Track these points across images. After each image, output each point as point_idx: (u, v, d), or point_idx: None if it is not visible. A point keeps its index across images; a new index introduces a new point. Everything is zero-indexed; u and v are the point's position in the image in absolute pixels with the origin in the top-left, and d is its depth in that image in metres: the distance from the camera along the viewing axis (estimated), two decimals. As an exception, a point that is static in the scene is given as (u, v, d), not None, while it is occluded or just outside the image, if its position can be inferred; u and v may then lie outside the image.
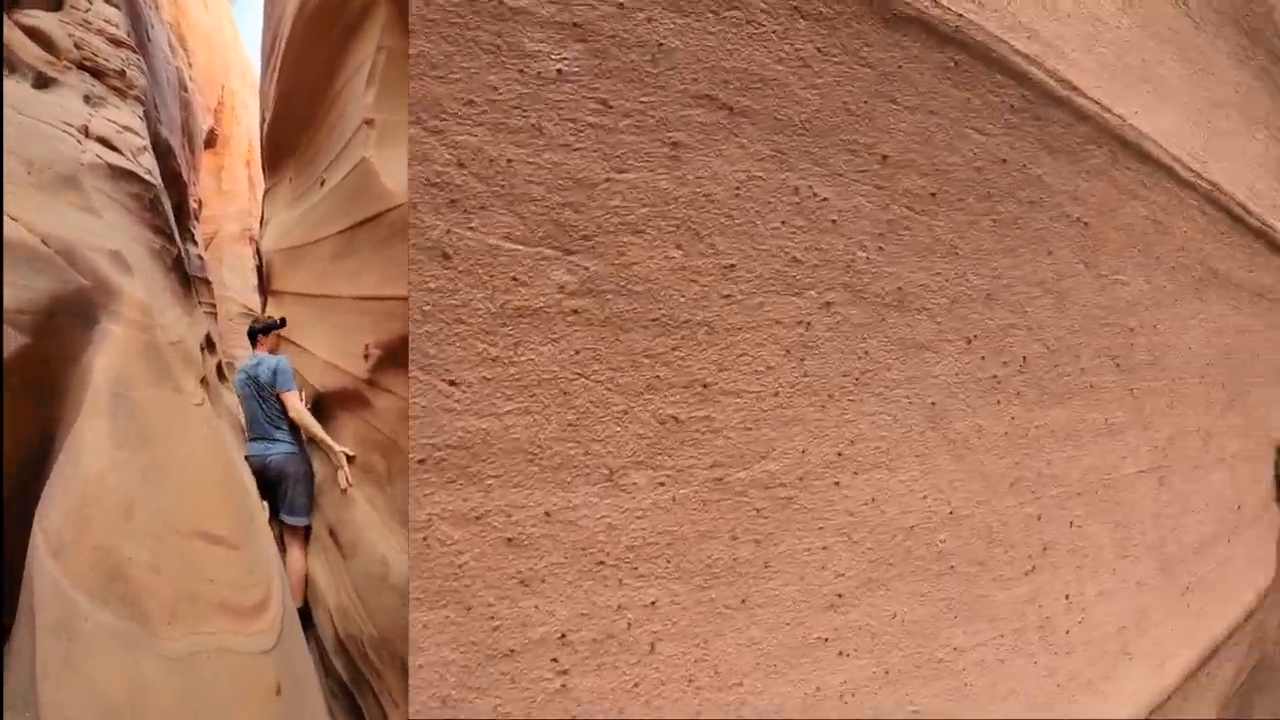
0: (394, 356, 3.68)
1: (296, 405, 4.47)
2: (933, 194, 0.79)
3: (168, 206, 5.03)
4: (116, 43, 5.91)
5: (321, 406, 5.10)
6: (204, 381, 3.94)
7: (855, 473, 0.73)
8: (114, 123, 4.78)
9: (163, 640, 2.44)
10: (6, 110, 3.77)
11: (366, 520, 3.81)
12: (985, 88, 0.86)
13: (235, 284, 15.61)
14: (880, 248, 0.74)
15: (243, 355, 5.72)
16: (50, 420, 2.87)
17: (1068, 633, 0.95)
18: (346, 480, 4.13)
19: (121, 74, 5.82)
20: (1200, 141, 1.30)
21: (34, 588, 2.38)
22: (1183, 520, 1.22)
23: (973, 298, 0.85)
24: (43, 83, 4.36)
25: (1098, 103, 1.01)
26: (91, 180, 3.67)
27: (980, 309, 0.86)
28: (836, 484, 0.71)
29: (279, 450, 4.50)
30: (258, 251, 7.85)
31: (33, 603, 2.37)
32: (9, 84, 4.13)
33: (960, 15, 0.85)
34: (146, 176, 4.50)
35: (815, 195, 0.73)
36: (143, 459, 2.80)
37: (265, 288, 7.40)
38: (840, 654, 0.74)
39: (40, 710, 2.19)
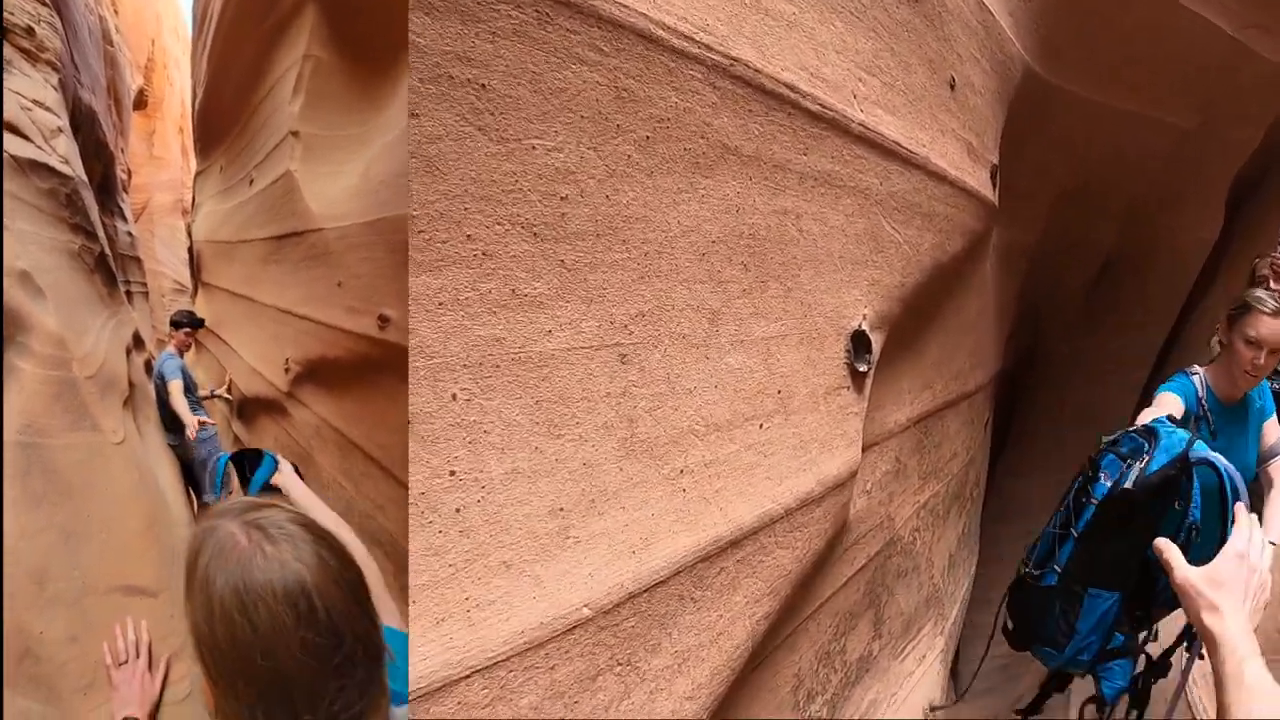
0: (311, 374, 3.74)
1: (175, 392, 4.95)
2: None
3: (89, 199, 4.48)
4: (23, -9, 4.98)
5: (245, 409, 5.31)
6: (127, 402, 3.69)
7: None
8: (22, 96, 4.16)
9: (79, 714, 2.36)
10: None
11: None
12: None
13: (168, 258, 14.67)
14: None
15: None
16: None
17: (457, 511, 1.03)
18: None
19: (30, 32, 4.90)
20: (724, 17, 1.29)
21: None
22: (667, 401, 1.25)
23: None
24: (-72, 41, 3.68)
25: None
26: (-6, 183, 3.21)
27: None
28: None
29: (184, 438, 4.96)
30: (191, 230, 7.68)
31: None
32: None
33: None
34: (62, 167, 4.02)
35: (492, 90, 0.95)
36: (59, 517, 2.63)
37: (196, 275, 7.35)
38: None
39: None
